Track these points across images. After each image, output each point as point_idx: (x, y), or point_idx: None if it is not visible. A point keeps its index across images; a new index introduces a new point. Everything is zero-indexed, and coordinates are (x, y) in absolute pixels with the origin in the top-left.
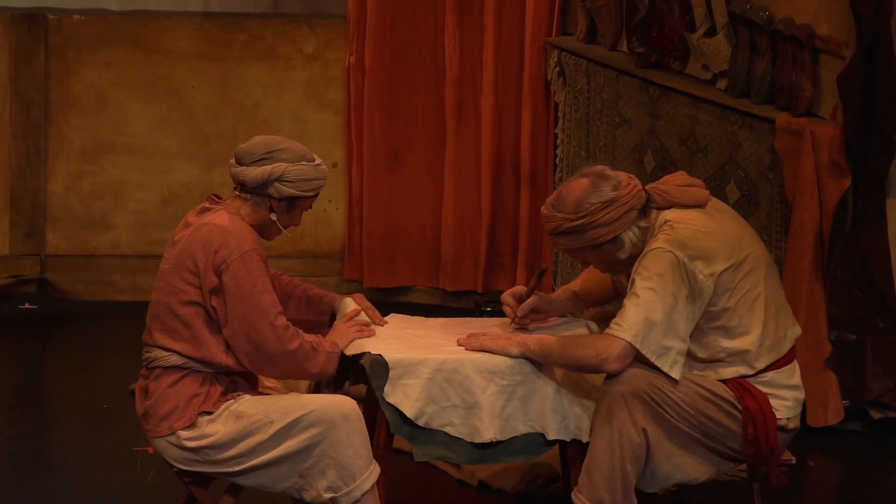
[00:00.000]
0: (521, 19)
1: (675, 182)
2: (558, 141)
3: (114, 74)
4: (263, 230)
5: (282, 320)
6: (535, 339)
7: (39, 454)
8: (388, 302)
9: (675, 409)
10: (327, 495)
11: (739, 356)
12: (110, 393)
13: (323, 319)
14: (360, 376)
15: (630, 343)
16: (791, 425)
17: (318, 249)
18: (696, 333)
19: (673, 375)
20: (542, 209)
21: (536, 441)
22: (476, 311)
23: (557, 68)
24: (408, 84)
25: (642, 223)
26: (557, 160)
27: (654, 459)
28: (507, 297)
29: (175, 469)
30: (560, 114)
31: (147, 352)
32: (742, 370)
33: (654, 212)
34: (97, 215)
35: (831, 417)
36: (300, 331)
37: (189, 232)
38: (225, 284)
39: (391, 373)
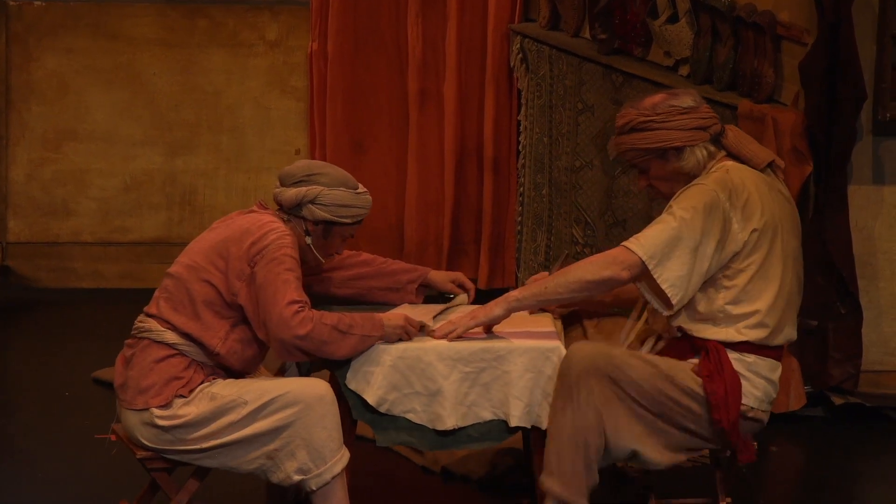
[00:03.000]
0: (484, 6)
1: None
2: (521, 128)
3: (75, 61)
4: (302, 255)
5: (291, 308)
6: (515, 291)
7: (0, 442)
8: None
9: (633, 388)
10: (297, 477)
11: (732, 320)
12: (72, 380)
13: (408, 289)
14: (322, 362)
15: (642, 261)
16: (751, 415)
17: None
18: (707, 284)
19: (674, 304)
20: (619, 113)
21: (499, 427)
22: (439, 298)
23: (520, 55)
24: (370, 71)
25: (711, 148)
26: (520, 147)
27: (610, 439)
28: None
29: (139, 456)
30: (523, 100)
31: (141, 321)
32: (730, 333)
33: (722, 152)
34: (59, 202)
35: (793, 403)
36: (320, 313)
37: (231, 220)
38: (255, 275)
39: (353, 360)
